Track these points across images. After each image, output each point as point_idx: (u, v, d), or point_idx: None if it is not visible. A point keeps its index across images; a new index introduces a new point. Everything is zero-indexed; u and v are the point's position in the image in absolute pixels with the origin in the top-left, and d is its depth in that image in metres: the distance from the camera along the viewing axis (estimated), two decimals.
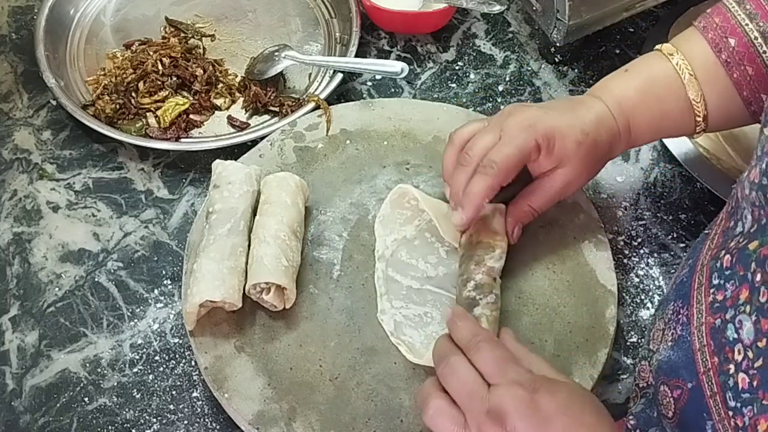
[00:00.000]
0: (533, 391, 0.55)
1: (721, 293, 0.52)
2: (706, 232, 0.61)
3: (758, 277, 0.48)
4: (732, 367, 0.48)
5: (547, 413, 0.54)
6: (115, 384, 0.73)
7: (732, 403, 0.48)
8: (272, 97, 0.91)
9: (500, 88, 0.95)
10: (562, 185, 0.70)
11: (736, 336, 0.49)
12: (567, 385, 0.57)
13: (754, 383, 0.46)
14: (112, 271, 0.80)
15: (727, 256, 0.52)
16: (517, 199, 0.72)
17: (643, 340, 0.76)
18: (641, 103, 0.70)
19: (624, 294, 0.78)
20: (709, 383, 0.51)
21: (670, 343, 0.56)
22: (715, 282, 0.53)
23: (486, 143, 0.68)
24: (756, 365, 0.46)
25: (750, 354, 0.47)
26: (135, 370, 0.73)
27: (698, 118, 0.69)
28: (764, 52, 0.66)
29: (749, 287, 0.48)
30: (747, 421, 0.46)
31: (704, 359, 0.51)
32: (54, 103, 0.92)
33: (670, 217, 0.84)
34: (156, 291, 0.78)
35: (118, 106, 0.88)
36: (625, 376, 0.74)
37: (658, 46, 0.71)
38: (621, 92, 0.70)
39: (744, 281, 0.49)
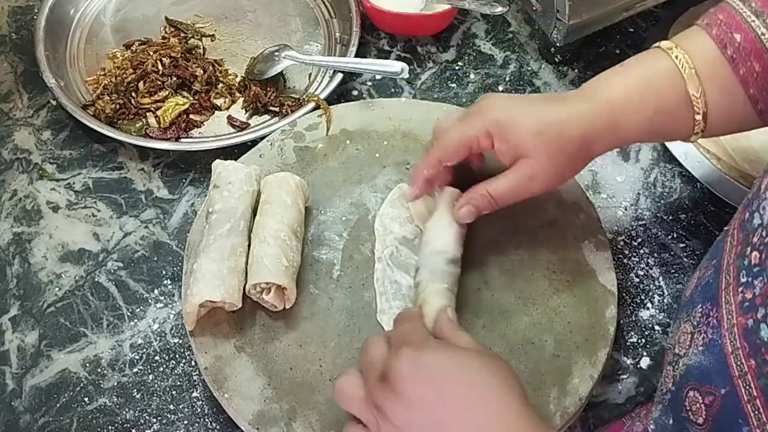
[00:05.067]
0: (418, 349, 0.55)
1: (750, 291, 0.50)
2: (726, 228, 0.59)
3: None
4: None
5: (433, 370, 0.54)
6: (115, 384, 0.73)
7: None
8: (272, 97, 0.91)
9: (500, 88, 0.94)
10: (527, 177, 0.67)
11: None
12: (468, 351, 0.57)
13: None
14: (112, 271, 0.80)
15: (755, 253, 0.51)
16: (479, 183, 0.71)
17: (642, 339, 0.76)
18: (634, 99, 0.66)
19: (624, 294, 0.78)
20: (747, 387, 0.49)
21: (700, 348, 0.55)
22: (744, 280, 0.51)
23: (445, 127, 0.71)
24: None
25: None
26: (135, 370, 0.73)
27: (697, 116, 0.66)
28: None
29: None
30: None
31: (739, 363, 0.50)
32: (54, 103, 0.92)
33: (670, 217, 0.84)
34: (156, 291, 0.78)
35: (118, 106, 0.88)
36: (625, 376, 0.74)
37: (657, 44, 0.69)
38: (611, 89, 0.67)
39: None
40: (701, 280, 0.59)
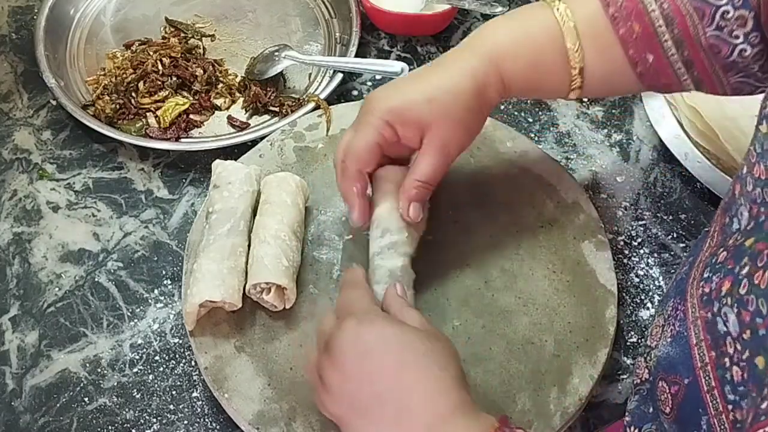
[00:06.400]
0: (361, 322, 0.57)
1: (708, 285, 0.52)
2: (707, 230, 0.61)
3: (744, 270, 0.48)
4: (727, 360, 0.48)
5: (373, 346, 0.56)
6: (115, 384, 0.73)
7: (731, 397, 0.48)
8: (272, 97, 0.91)
9: None
10: (440, 147, 0.67)
11: (725, 329, 0.49)
12: (413, 330, 0.58)
13: (745, 375, 0.46)
14: (112, 271, 0.80)
15: (724, 253, 0.52)
16: (404, 179, 0.70)
17: (643, 339, 0.76)
18: (515, 51, 0.67)
19: (624, 294, 0.78)
20: (707, 378, 0.51)
21: (669, 339, 0.57)
22: (705, 275, 0.53)
23: (345, 141, 0.68)
24: (744, 357, 0.46)
25: (738, 346, 0.47)
26: (135, 370, 0.73)
27: (573, 70, 0.66)
28: (653, 10, 0.63)
29: (732, 279, 0.48)
30: (745, 415, 0.46)
31: (702, 354, 0.51)
32: (54, 103, 0.92)
33: (670, 217, 0.84)
34: (156, 291, 0.78)
35: (118, 106, 0.88)
36: (625, 376, 0.74)
37: None
38: (495, 40, 0.67)
39: (730, 273, 0.49)
40: (677, 276, 0.61)
